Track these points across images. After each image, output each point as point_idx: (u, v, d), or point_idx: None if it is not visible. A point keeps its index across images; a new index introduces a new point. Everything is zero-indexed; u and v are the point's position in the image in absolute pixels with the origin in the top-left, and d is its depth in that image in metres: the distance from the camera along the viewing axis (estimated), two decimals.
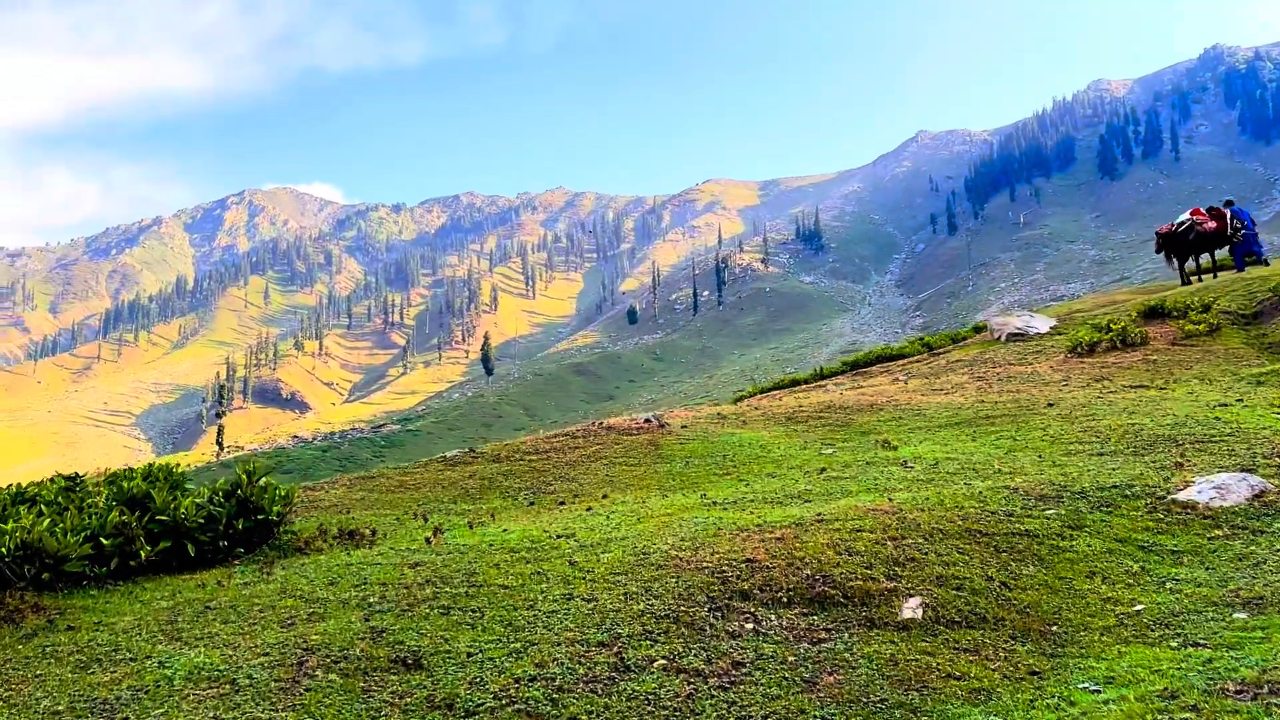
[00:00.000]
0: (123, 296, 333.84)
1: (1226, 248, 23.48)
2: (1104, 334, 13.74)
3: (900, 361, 19.65)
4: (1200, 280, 23.26)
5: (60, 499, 8.59)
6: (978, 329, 23.19)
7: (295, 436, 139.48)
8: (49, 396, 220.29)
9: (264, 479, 8.47)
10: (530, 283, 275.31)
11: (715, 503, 8.28)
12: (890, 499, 7.52)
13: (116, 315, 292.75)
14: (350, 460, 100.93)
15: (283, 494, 8.40)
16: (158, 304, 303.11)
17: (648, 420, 10.13)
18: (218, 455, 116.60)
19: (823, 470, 9.35)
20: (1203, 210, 23.39)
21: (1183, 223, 22.77)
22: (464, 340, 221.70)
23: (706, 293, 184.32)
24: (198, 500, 8.09)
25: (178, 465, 10.47)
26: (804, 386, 18.05)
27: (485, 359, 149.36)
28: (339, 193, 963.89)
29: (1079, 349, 13.76)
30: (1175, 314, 14.65)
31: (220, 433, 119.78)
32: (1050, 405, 9.97)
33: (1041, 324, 15.73)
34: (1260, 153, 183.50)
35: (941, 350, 20.23)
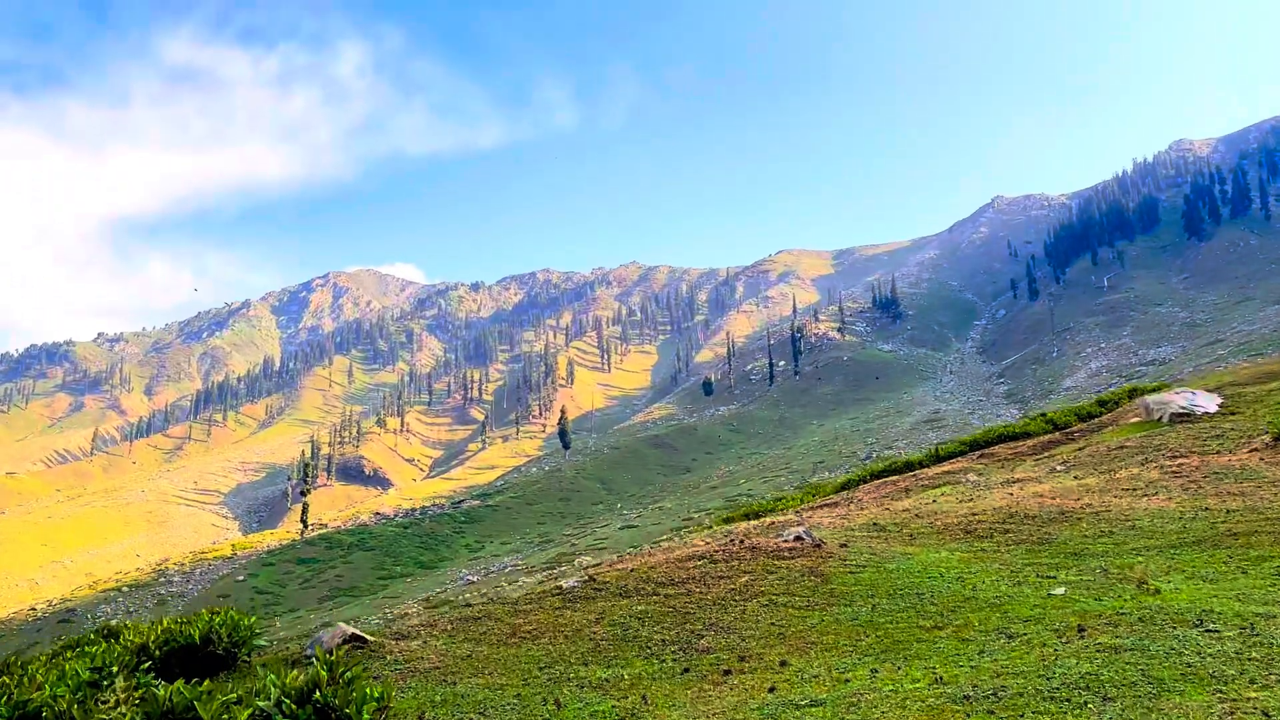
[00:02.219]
0: (213, 378, 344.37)
1: None
2: None
3: (1027, 441, 18.62)
4: None
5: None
6: (1102, 403, 22.17)
7: (377, 513, 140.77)
8: (143, 476, 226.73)
9: (350, 671, 6.77)
10: (605, 356, 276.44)
11: (967, 695, 5.96)
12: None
13: (206, 397, 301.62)
14: (431, 537, 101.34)
15: (376, 694, 6.50)
16: (245, 385, 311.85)
17: (799, 538, 8.13)
18: (302, 533, 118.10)
19: (1081, 630, 7.21)
20: None
21: None
22: (541, 414, 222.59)
23: (782, 363, 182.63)
24: (263, 707, 6.11)
25: (246, 619, 9.10)
26: (926, 473, 17.19)
27: (562, 433, 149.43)
28: (420, 273, 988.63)
29: None
30: None
31: (305, 510, 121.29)
32: None
33: (1207, 402, 14.44)
34: None
35: (1075, 429, 19.15)
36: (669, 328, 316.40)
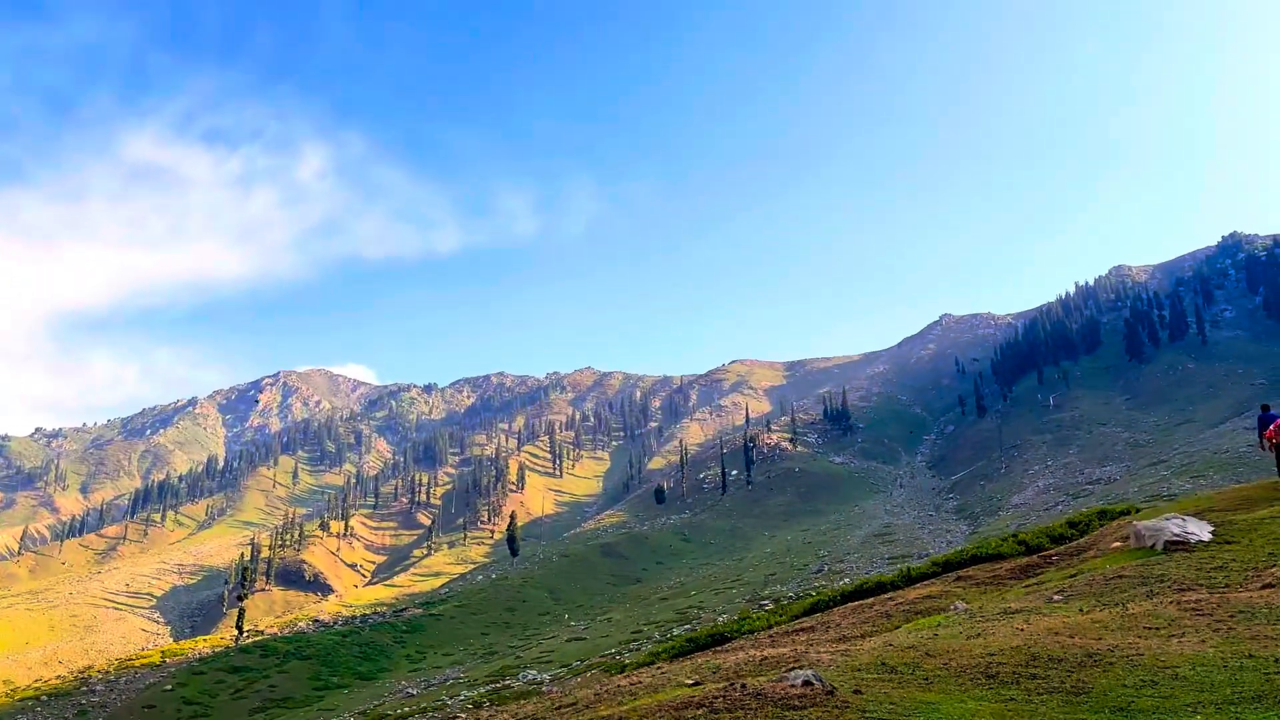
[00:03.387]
0: (154, 476, 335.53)
1: None
2: None
3: (1003, 564, 18.08)
4: None
5: None
6: (1073, 524, 21.80)
7: (316, 620, 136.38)
8: (72, 577, 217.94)
9: None
10: (557, 461, 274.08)
11: None
12: None
13: (145, 495, 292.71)
14: (371, 646, 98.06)
15: None
16: (187, 484, 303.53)
17: (808, 684, 7.11)
18: (237, 640, 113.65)
19: None
20: None
21: None
22: (489, 520, 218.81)
23: (735, 472, 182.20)
24: None
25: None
26: (904, 596, 16.51)
27: (510, 539, 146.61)
28: (372, 374, 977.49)
29: None
30: None
31: (241, 616, 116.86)
32: None
33: (1199, 530, 14.06)
34: None
35: (1051, 553, 18.64)
36: (622, 434, 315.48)
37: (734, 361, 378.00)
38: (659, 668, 13.62)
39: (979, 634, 9.67)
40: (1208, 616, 9.24)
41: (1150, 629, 9.08)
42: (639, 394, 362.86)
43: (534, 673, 67.13)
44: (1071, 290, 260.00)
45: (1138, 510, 24.28)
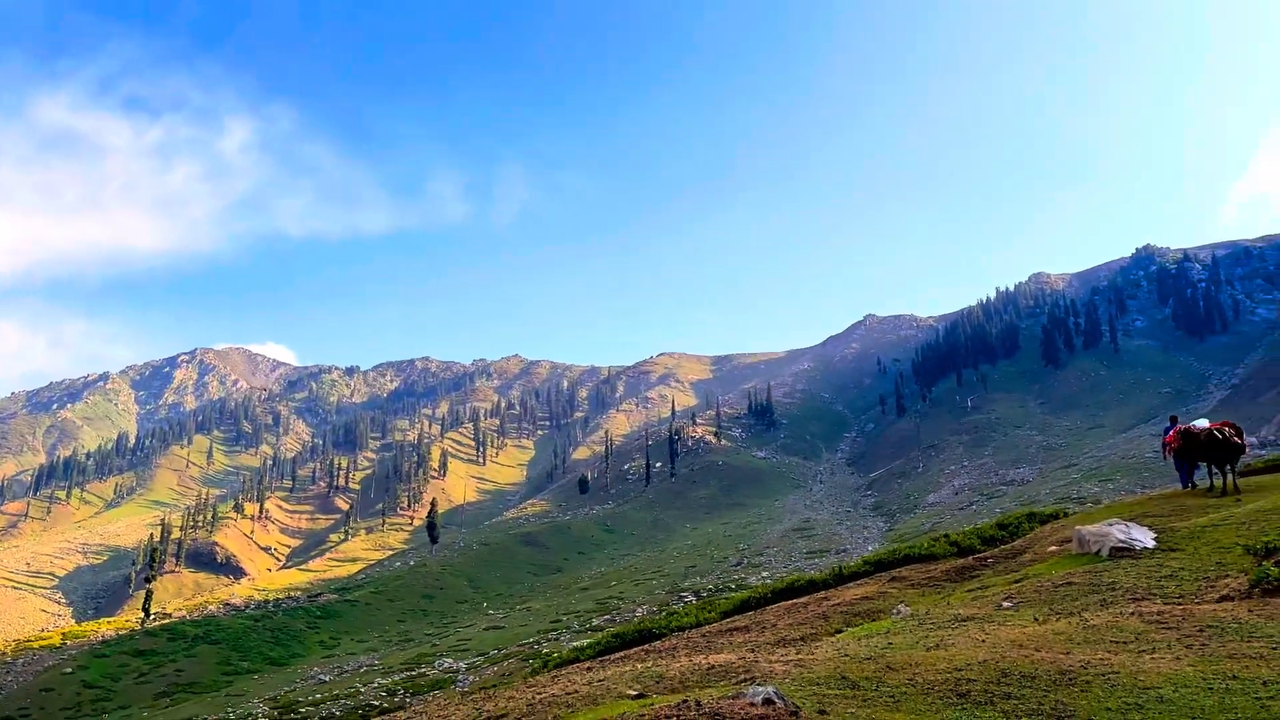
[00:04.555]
0: (59, 452, 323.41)
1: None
2: None
3: (937, 565, 17.90)
4: (1193, 487, 22.83)
5: None
6: (1002, 525, 21.84)
7: (227, 604, 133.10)
8: None
9: None
10: (481, 449, 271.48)
11: None
12: None
13: (50, 472, 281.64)
14: (283, 631, 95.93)
15: None
16: (95, 461, 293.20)
17: (769, 702, 6.47)
18: (143, 623, 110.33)
19: None
20: (1228, 423, 22.62)
21: (1206, 430, 22.06)
22: (410, 506, 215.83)
23: (659, 464, 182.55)
24: None
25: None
26: (841, 596, 16.15)
27: (430, 526, 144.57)
28: (293, 354, 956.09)
29: (1266, 585, 10.55)
30: None
31: (148, 598, 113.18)
32: None
33: (1143, 537, 13.88)
34: (1194, 348, 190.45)
35: (985, 555, 18.51)
36: (548, 423, 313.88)
37: (662, 354, 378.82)
38: (592, 670, 13.03)
39: (938, 644, 9.26)
40: (1175, 631, 8.96)
41: (1118, 643, 8.75)
42: (566, 384, 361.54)
43: (450, 661, 66.24)
44: (993, 295, 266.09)
45: (1066, 514, 24.52)
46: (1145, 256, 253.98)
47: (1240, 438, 22.32)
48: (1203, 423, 22.95)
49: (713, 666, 8.60)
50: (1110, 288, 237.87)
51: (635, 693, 7.86)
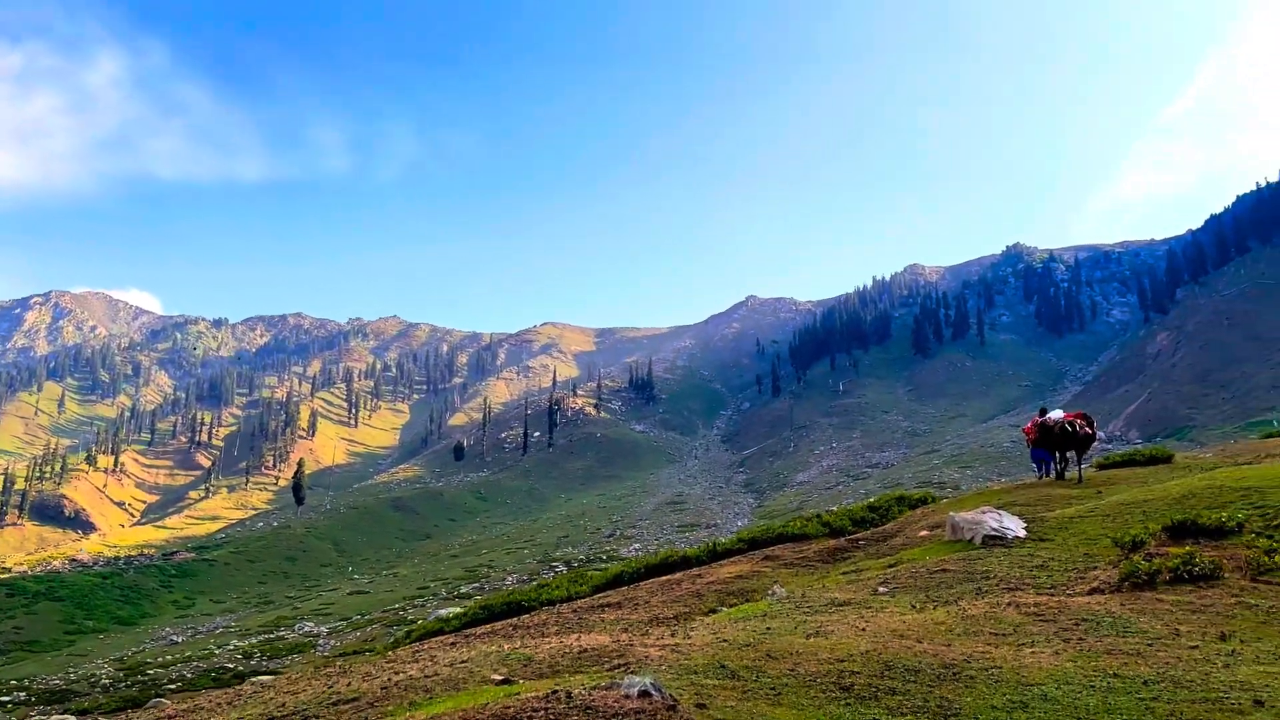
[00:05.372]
0: None
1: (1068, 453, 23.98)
2: (1160, 560, 10.86)
3: (810, 545, 17.96)
4: (1050, 478, 23.76)
5: None
6: (873, 508, 22.16)
7: (73, 559, 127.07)
8: None
9: None
10: (353, 410, 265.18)
11: None
12: None
13: None
14: (134, 590, 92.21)
15: None
16: None
17: (645, 694, 6.05)
18: None
19: None
20: (1080, 415, 23.82)
21: (1068, 421, 23.12)
22: (276, 466, 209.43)
23: (538, 433, 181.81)
24: None
25: None
26: (714, 574, 15.99)
27: (296, 486, 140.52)
28: (157, 302, 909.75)
29: (1136, 579, 10.75)
30: (1209, 533, 12.48)
31: None
32: (1257, 703, 6.33)
33: (1014, 525, 14.03)
34: (1054, 345, 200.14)
35: (858, 537, 18.68)
36: (425, 387, 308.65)
37: (545, 324, 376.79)
38: (456, 645, 12.53)
39: (818, 631, 9.09)
40: (1051, 624, 9.00)
41: (997, 635, 8.73)
42: (446, 348, 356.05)
43: (311, 625, 64.65)
44: (869, 284, 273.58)
45: (935, 499, 25.17)
46: (1014, 254, 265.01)
47: (1092, 429, 23.59)
48: (1058, 414, 24.09)
49: (585, 649, 8.21)
50: (980, 282, 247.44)
51: (500, 677, 7.40)
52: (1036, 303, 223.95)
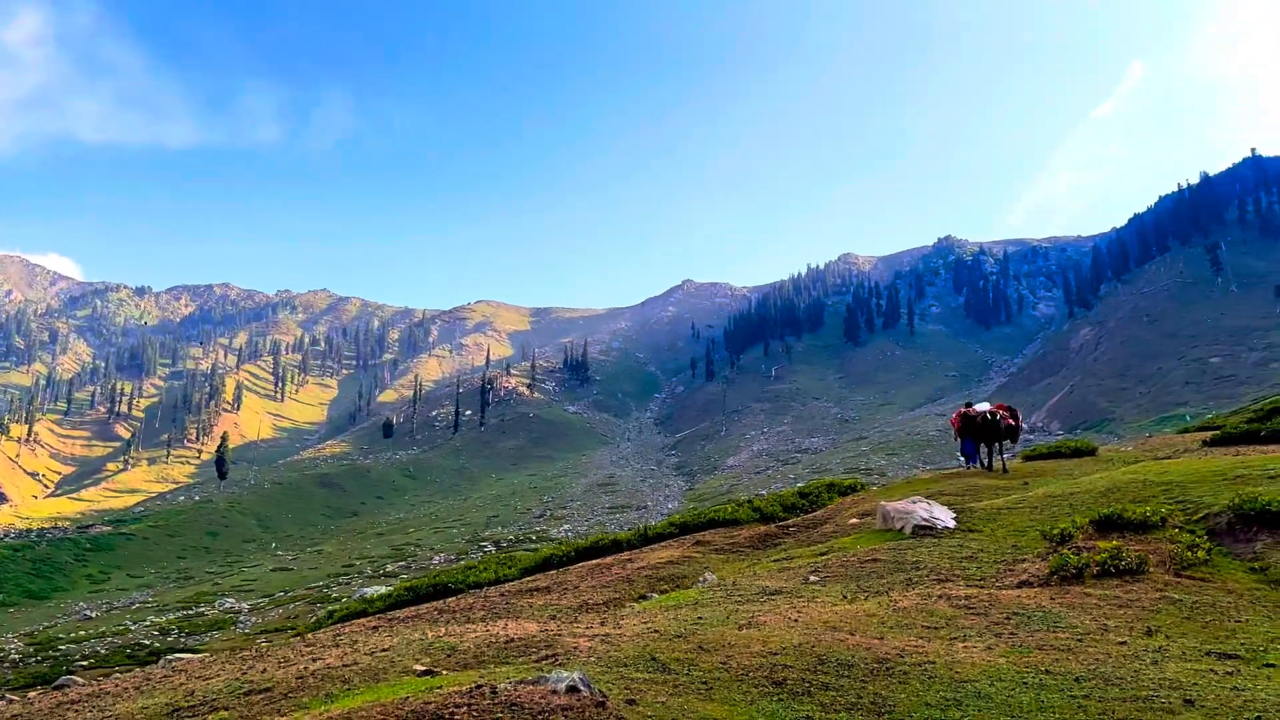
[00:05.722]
0: None
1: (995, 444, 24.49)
2: (1088, 554, 11.04)
3: (740, 531, 17.88)
4: (977, 468, 24.14)
5: None
6: (803, 494, 22.19)
7: None
8: None
9: None
10: (280, 385, 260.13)
11: None
12: None
13: None
14: (46, 563, 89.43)
15: None
16: None
17: (573, 689, 5.85)
18: None
19: None
20: (1004, 406, 24.36)
21: (990, 412, 23.58)
22: (199, 439, 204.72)
23: (469, 412, 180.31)
24: None
25: None
26: (646, 559, 15.76)
27: (220, 460, 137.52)
28: (77, 268, 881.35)
29: (1064, 573, 10.89)
30: (1134, 527, 11.80)
31: None
32: (1187, 703, 6.36)
33: (944, 516, 14.06)
34: (981, 336, 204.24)
35: (789, 523, 18.66)
36: (355, 363, 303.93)
37: (480, 301, 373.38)
38: (379, 629, 12.19)
39: (750, 622, 8.96)
40: (983, 617, 8.99)
41: (930, 629, 8.69)
42: (377, 323, 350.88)
43: (232, 601, 63.29)
44: (804, 271, 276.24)
45: (864, 486, 25.41)
46: (945, 247, 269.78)
47: (1016, 420, 24.19)
48: (983, 406, 24.61)
49: (511, 639, 7.96)
50: (912, 273, 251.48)
51: (423, 668, 7.11)
52: (966, 294, 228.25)
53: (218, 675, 8.87)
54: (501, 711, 5.16)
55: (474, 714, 5.10)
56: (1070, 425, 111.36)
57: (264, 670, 8.44)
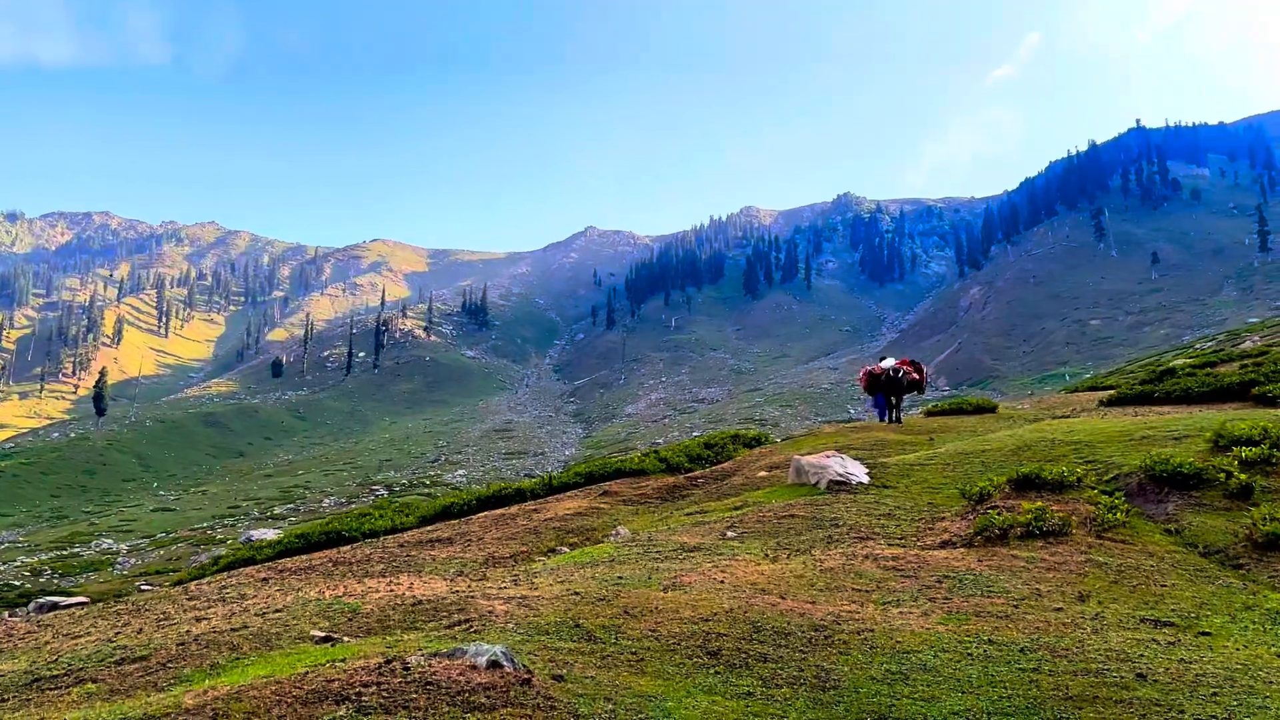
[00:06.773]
0: None
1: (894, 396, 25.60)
2: (1011, 515, 11.00)
3: (648, 481, 17.54)
4: (887, 422, 24.69)
5: None
6: (709, 445, 22.05)
7: None
8: None
9: None
10: (164, 319, 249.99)
11: None
12: None
13: None
14: None
15: None
16: None
17: (494, 664, 5.31)
18: None
19: None
20: (908, 361, 25.19)
21: (894, 368, 24.41)
22: (75, 373, 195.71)
23: (363, 354, 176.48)
24: None
25: None
26: (552, 510, 15.31)
27: (98, 396, 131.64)
28: None
29: (989, 533, 10.79)
30: (1051, 487, 12.05)
31: None
32: (1140, 677, 6.19)
33: (858, 471, 13.90)
34: (875, 293, 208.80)
35: (696, 475, 18.43)
36: (243, 299, 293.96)
37: (376, 240, 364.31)
38: (269, 582, 11.50)
39: (674, 583, 8.61)
40: (914, 579, 8.83)
41: (861, 591, 8.46)
42: (267, 259, 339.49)
43: (110, 542, 60.90)
44: (706, 223, 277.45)
45: (769, 439, 25.49)
46: (844, 203, 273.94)
47: (921, 375, 25.10)
48: (889, 362, 25.35)
49: (419, 600, 7.42)
50: (811, 229, 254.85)
51: (322, 634, 6.52)
52: (862, 251, 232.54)
53: (88, 634, 8.10)
54: (415, 691, 4.59)
55: (384, 694, 4.53)
56: (956, 381, 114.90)
57: (140, 630, 7.69)
